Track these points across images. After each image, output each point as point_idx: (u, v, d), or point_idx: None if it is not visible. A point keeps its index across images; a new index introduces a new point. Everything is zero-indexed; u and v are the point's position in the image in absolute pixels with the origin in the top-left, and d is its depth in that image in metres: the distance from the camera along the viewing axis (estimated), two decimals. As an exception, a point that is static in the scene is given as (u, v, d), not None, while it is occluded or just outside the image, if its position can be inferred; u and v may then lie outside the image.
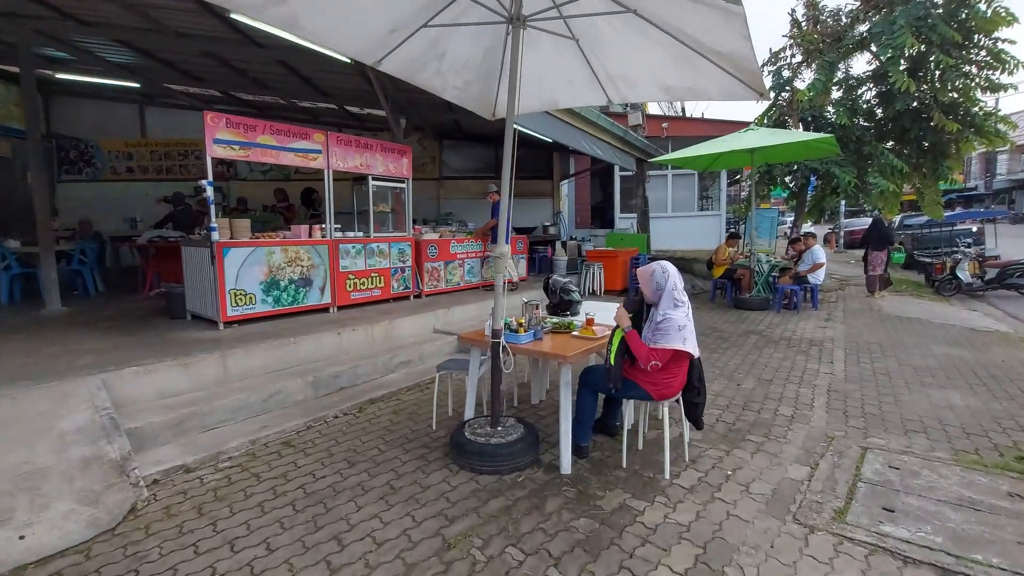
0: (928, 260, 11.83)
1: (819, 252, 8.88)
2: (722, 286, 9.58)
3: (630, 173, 13.06)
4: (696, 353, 2.92)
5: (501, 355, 3.15)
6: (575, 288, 4.12)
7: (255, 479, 3.07)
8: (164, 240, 7.17)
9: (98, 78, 8.09)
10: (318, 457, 3.35)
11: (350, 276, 6.08)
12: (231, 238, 5.12)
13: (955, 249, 11.82)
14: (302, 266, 5.60)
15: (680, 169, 13.97)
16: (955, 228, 13.38)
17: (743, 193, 23.51)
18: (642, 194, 11.26)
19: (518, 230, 9.82)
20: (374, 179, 6.37)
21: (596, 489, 2.88)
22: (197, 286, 5.31)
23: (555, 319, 3.69)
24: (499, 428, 3.26)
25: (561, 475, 3.05)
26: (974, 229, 14.13)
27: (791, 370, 5.16)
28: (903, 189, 10.90)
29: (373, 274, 6.36)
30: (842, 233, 21.70)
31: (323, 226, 5.91)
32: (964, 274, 10.46)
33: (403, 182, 6.77)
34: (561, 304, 4.10)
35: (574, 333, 3.43)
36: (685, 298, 2.96)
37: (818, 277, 8.76)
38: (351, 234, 6.22)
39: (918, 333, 6.76)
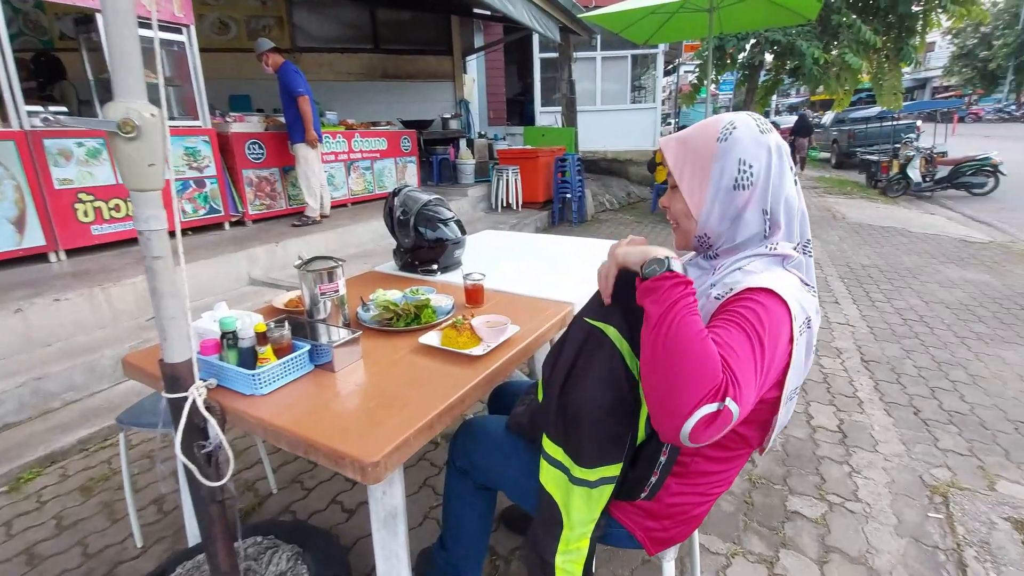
0: (873, 158, 10.74)
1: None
2: (664, 192, 7.79)
3: (553, 56, 10.52)
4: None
5: (176, 452, 1.04)
6: (450, 213, 1.98)
7: None
8: None
9: None
10: None
11: (82, 196, 3.51)
12: None
13: (898, 146, 10.78)
14: (-48, 181, 2.97)
15: (611, 50, 11.60)
16: (898, 123, 12.36)
17: (670, 89, 21.48)
18: (567, 78, 8.88)
19: (407, 123, 7.28)
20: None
21: None
22: None
23: (390, 298, 1.56)
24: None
25: None
26: (918, 124, 13.23)
27: (790, 320, 3.50)
28: (862, 71, 9.30)
29: (139, 191, 3.79)
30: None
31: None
32: (915, 173, 9.41)
33: (179, 31, 4.01)
34: (418, 249, 1.98)
35: (425, 340, 1.35)
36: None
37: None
38: (78, 122, 3.53)
39: (908, 249, 5.39)
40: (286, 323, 1.21)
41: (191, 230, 4.21)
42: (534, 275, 1.98)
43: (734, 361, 0.76)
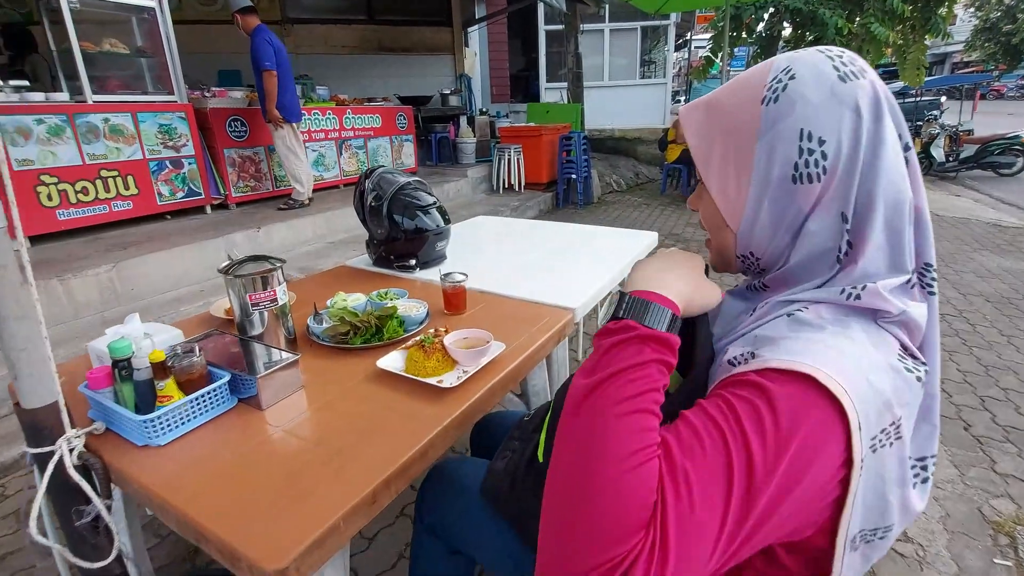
0: (893, 137, 10.24)
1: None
2: (675, 173, 7.42)
3: (559, 28, 10.03)
4: (920, 507, 0.59)
5: (30, 530, 0.78)
6: (431, 199, 1.69)
7: None
8: None
9: None
10: None
11: (44, 178, 3.22)
12: None
13: (920, 124, 10.24)
14: None
15: (620, 21, 11.10)
16: (920, 100, 11.78)
17: (680, 64, 20.80)
18: (574, 51, 8.44)
19: (404, 99, 6.92)
20: (70, -18, 3.27)
21: None
22: None
23: (349, 305, 1.28)
24: None
25: None
26: (942, 100, 12.63)
27: (815, 314, 3.19)
28: (887, 43, 8.76)
29: (105, 172, 3.50)
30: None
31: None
32: (938, 152, 8.96)
33: (149, -4, 3.67)
34: (393, 242, 1.68)
35: (384, 364, 1.06)
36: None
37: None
38: (35, 97, 3.22)
39: (937, 234, 5.02)
40: (195, 347, 0.93)
41: (169, 214, 3.93)
42: (531, 272, 1.69)
43: (678, 512, 0.44)
